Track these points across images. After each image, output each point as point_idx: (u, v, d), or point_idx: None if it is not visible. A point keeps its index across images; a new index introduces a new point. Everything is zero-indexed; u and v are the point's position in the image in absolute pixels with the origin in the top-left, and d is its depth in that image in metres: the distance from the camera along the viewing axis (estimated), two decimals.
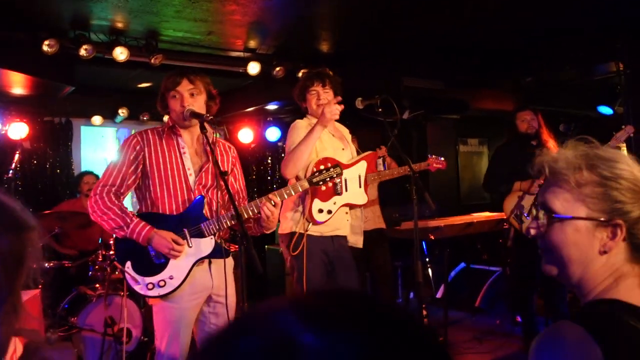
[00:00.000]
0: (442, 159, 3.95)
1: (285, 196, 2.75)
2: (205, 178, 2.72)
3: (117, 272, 4.87)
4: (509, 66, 5.98)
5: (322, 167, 2.90)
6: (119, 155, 2.69)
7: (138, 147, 2.67)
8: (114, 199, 2.61)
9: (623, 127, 4.14)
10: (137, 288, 2.57)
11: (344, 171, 3.35)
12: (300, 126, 3.37)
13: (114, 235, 2.65)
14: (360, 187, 3.44)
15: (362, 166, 3.47)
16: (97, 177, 5.70)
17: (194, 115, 2.61)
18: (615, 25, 4.74)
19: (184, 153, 2.72)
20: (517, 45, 5.30)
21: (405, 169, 3.40)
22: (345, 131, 3.62)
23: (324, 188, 2.85)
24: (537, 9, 4.36)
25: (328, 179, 2.83)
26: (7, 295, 0.87)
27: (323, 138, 3.36)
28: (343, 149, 3.46)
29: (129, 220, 2.56)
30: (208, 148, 2.71)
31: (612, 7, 4.34)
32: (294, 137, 3.31)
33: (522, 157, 4.48)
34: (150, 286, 2.55)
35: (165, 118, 3.59)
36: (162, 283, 2.56)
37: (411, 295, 5.81)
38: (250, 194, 7.59)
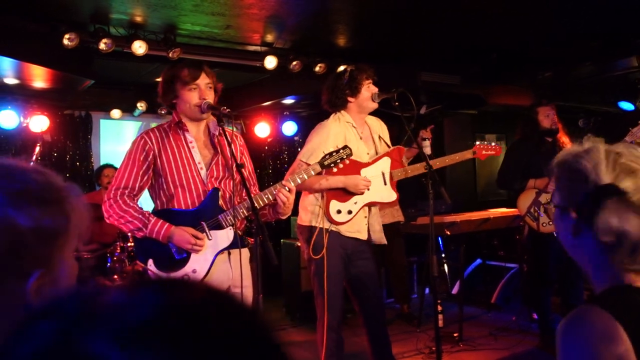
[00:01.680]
0: (494, 144, 3.77)
1: (299, 181, 2.75)
2: (216, 170, 2.74)
3: (134, 264, 4.96)
4: (526, 61, 5.91)
5: (332, 149, 2.90)
6: (128, 156, 2.69)
7: (147, 147, 2.67)
8: (128, 201, 2.63)
9: (639, 122, 4.09)
10: None
11: (364, 170, 3.36)
12: (332, 128, 3.38)
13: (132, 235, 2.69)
14: (385, 184, 3.43)
15: (385, 163, 3.45)
16: (116, 169, 5.77)
17: (212, 108, 2.63)
18: (634, 20, 4.66)
19: (193, 147, 2.73)
20: (536, 40, 5.24)
21: (433, 163, 3.36)
22: (376, 126, 3.60)
23: (335, 169, 2.85)
24: (556, 4, 4.31)
25: (339, 160, 2.83)
26: (52, 268, 0.89)
27: (349, 138, 3.37)
28: (367, 153, 3.46)
29: (146, 221, 2.58)
30: (223, 141, 2.72)
31: (633, 1, 4.27)
32: (322, 139, 3.31)
33: (537, 154, 4.45)
34: None
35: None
36: (185, 278, 2.56)
37: (426, 290, 5.79)
38: (266, 187, 7.63)
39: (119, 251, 5.01)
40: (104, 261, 5.06)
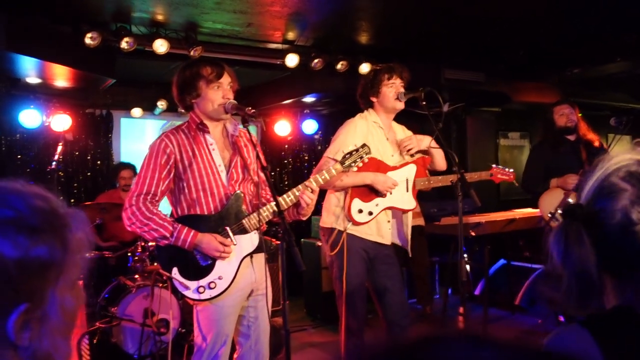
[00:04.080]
0: (511, 170, 3.72)
1: (321, 181, 2.68)
2: (236, 173, 2.66)
3: (155, 263, 4.95)
4: (553, 58, 5.78)
5: (351, 148, 2.83)
6: (148, 161, 2.57)
7: (169, 150, 2.56)
8: (151, 208, 2.52)
9: None
10: (187, 293, 2.50)
11: (390, 173, 3.29)
12: (359, 125, 3.32)
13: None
14: (407, 191, 3.36)
15: (410, 169, 3.38)
16: (134, 170, 5.76)
17: (237, 108, 2.57)
18: None
19: (213, 149, 2.63)
20: (564, 36, 5.11)
21: (452, 178, 3.29)
22: (400, 134, 3.53)
23: (355, 169, 2.78)
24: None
25: (358, 159, 2.76)
26: (40, 303, 0.82)
27: (375, 139, 3.31)
28: (392, 156, 3.39)
29: (171, 229, 2.48)
30: (239, 142, 2.66)
31: None
32: (349, 135, 3.26)
33: (557, 154, 4.38)
34: (201, 290, 2.49)
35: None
36: (212, 285, 2.51)
37: (449, 291, 5.69)
38: (285, 186, 7.61)
39: (140, 251, 4.99)
40: (125, 260, 5.05)
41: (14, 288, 0.79)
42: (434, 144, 3.42)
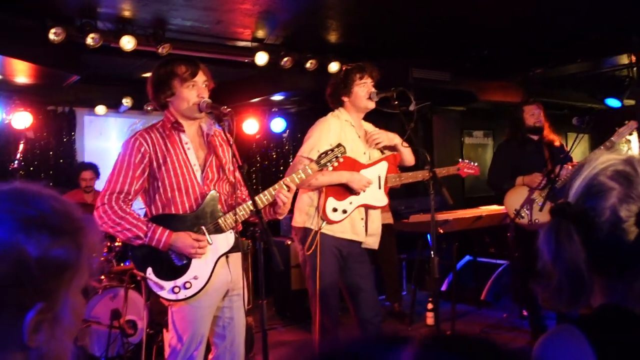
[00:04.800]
0: (475, 164, 3.83)
1: (297, 180, 2.69)
2: (211, 172, 2.64)
3: (122, 264, 4.86)
4: (517, 58, 5.93)
5: (326, 147, 2.85)
6: (122, 159, 2.52)
7: (143, 149, 2.51)
8: (124, 207, 2.47)
9: (626, 122, 4.13)
10: (162, 294, 2.47)
11: (363, 171, 3.32)
12: (332, 124, 3.33)
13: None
14: (379, 188, 3.39)
15: (382, 167, 3.42)
16: (95, 171, 5.60)
17: (211, 107, 2.54)
18: (630, 17, 4.69)
19: (188, 149, 2.60)
20: (527, 37, 5.24)
21: (423, 174, 3.35)
22: (369, 130, 3.56)
23: (330, 168, 2.80)
24: (549, 2, 4.31)
25: (334, 158, 2.77)
26: (54, 304, 0.82)
27: (348, 137, 3.32)
28: (364, 153, 3.42)
29: (146, 229, 2.44)
30: (214, 142, 2.65)
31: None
32: (322, 134, 3.26)
33: (523, 153, 4.51)
34: (176, 290, 2.46)
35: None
36: (187, 285, 2.48)
37: (415, 287, 5.77)
38: (254, 185, 7.58)
39: (106, 251, 4.89)
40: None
41: (34, 286, 0.79)
42: (399, 141, 3.47)
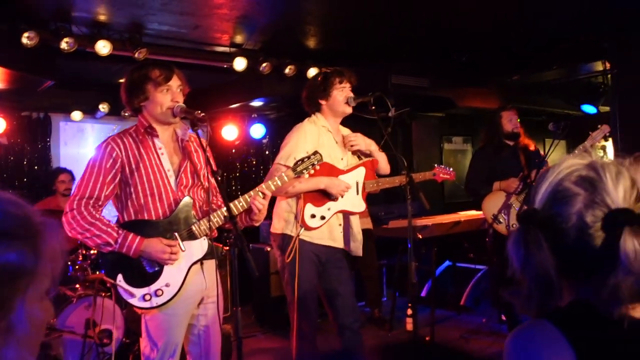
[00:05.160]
0: (451, 169, 3.84)
1: (273, 187, 2.66)
2: (185, 178, 2.60)
3: (97, 272, 4.77)
4: (495, 64, 5.98)
5: (303, 154, 2.83)
6: (93, 164, 2.47)
7: (115, 154, 2.47)
8: (94, 212, 2.42)
9: (599, 126, 4.20)
10: (132, 301, 2.42)
11: (341, 176, 3.30)
12: (309, 130, 3.30)
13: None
14: (357, 194, 3.38)
15: (359, 173, 3.40)
16: (72, 175, 5.52)
17: (185, 111, 2.51)
18: (603, 24, 4.76)
19: (162, 154, 2.57)
20: (504, 43, 5.30)
21: (399, 179, 3.35)
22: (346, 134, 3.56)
23: (306, 176, 2.77)
24: (523, 7, 4.36)
25: (310, 166, 2.75)
26: (6, 312, 0.78)
27: (325, 143, 3.30)
28: (342, 159, 3.40)
29: (116, 235, 2.39)
30: (190, 147, 2.62)
31: (600, 5, 4.35)
32: (299, 140, 3.24)
33: (500, 158, 4.56)
34: (147, 297, 2.41)
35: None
36: (159, 292, 2.43)
37: (397, 293, 5.77)
38: (233, 191, 7.53)
39: (81, 259, 4.81)
40: (66, 269, 4.85)
41: None
42: (376, 148, 3.46)
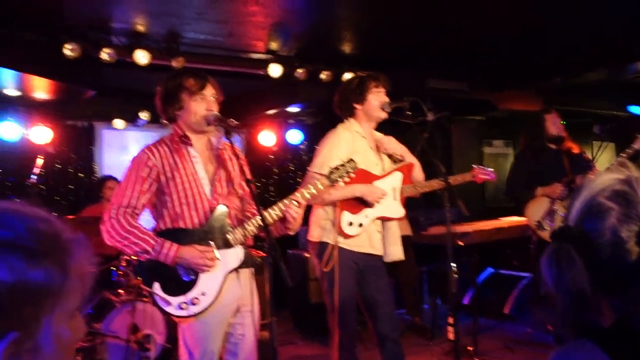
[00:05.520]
0: (491, 170, 3.73)
1: (307, 195, 2.63)
2: (220, 186, 2.60)
3: (139, 277, 4.84)
4: (536, 66, 5.82)
5: (337, 162, 2.78)
6: (129, 173, 2.51)
7: (151, 163, 2.50)
8: (131, 220, 2.44)
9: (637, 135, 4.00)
10: (169, 309, 2.43)
11: (376, 182, 3.25)
12: (342, 137, 3.25)
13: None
14: (395, 199, 3.31)
15: (396, 177, 3.34)
16: (118, 182, 5.67)
17: (220, 120, 2.51)
18: None
19: (197, 162, 2.58)
20: (546, 45, 5.14)
21: (438, 183, 3.27)
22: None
23: (342, 184, 2.72)
24: (566, 9, 4.21)
25: (345, 174, 2.70)
26: (32, 332, 0.77)
27: (360, 149, 3.26)
28: (377, 164, 3.34)
29: (153, 243, 2.41)
30: (223, 155, 2.62)
31: None
32: (333, 148, 3.20)
33: (542, 163, 4.40)
34: (183, 306, 2.42)
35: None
36: (195, 301, 2.43)
37: (438, 301, 5.66)
38: (271, 197, 7.55)
39: (124, 264, 4.89)
40: (109, 275, 4.95)
41: (4, 314, 0.73)
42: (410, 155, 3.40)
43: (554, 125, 4.48)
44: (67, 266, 0.80)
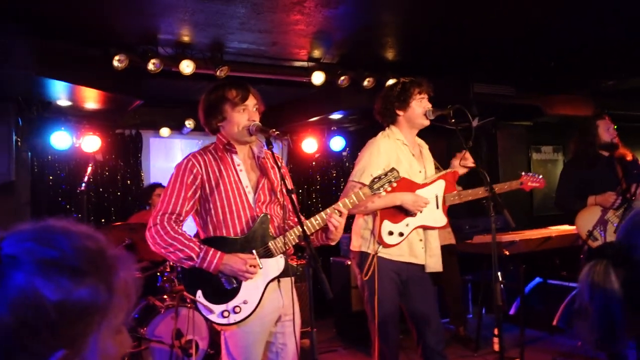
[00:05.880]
0: (540, 176, 3.61)
1: (350, 205, 2.60)
2: (263, 195, 2.61)
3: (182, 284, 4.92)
4: (587, 69, 5.62)
5: (379, 172, 2.74)
6: (174, 180, 2.54)
7: (195, 170, 2.53)
8: (176, 227, 2.47)
9: None
10: (211, 317, 2.45)
11: (419, 191, 3.19)
12: (382, 145, 3.21)
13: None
14: (437, 207, 3.25)
15: (439, 185, 3.27)
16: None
17: (261, 130, 2.53)
18: None
19: (241, 170, 2.60)
20: (598, 47, 4.96)
21: (483, 192, 3.18)
22: (424, 148, 3.45)
23: (383, 193, 2.68)
24: (618, 8, 4.05)
25: (387, 184, 2.66)
26: (80, 349, 0.77)
27: (402, 157, 3.21)
28: (420, 172, 3.29)
29: (198, 250, 2.43)
30: (266, 164, 2.63)
31: None
32: (372, 156, 3.17)
33: (594, 170, 4.21)
34: (225, 314, 2.44)
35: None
36: (237, 309, 2.45)
37: (483, 310, 5.52)
38: (314, 205, 7.56)
39: (168, 270, 4.99)
40: (155, 280, 5.05)
41: (52, 333, 0.75)
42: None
43: (606, 131, 4.30)
44: (112, 283, 0.81)
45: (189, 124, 6.61)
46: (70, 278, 0.77)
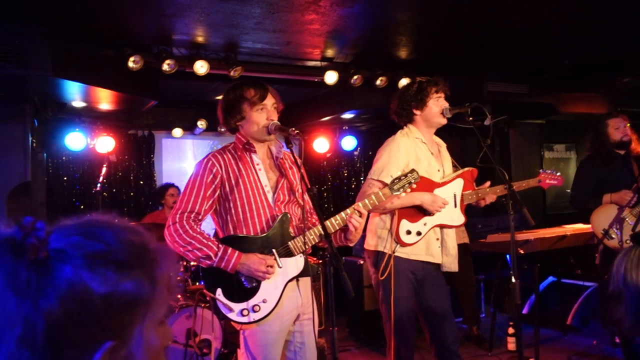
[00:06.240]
0: (558, 174, 3.58)
1: (370, 206, 2.60)
2: (282, 194, 2.61)
3: (197, 283, 4.95)
4: (601, 66, 5.59)
5: (399, 173, 2.73)
6: (194, 179, 2.54)
7: (215, 169, 2.53)
8: (195, 226, 2.48)
9: None
10: (230, 316, 2.46)
11: (437, 190, 3.19)
12: (402, 144, 3.21)
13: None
14: (455, 206, 3.24)
15: (457, 184, 3.27)
16: (179, 189, 5.83)
17: (280, 129, 2.53)
18: None
19: (260, 170, 2.60)
20: (612, 44, 4.93)
21: (501, 190, 3.17)
22: (442, 147, 3.44)
23: (403, 194, 2.67)
24: (634, 4, 4.02)
25: (407, 185, 2.66)
26: (125, 341, 0.79)
27: (421, 156, 3.21)
28: (438, 170, 3.29)
29: (216, 249, 2.43)
30: (284, 164, 2.63)
31: None
32: (392, 154, 3.16)
33: (609, 169, 4.19)
34: (245, 312, 2.45)
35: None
36: (256, 308, 2.46)
37: (495, 309, 5.49)
38: (325, 204, 7.56)
39: (182, 270, 5.01)
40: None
41: (100, 324, 0.76)
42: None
43: (617, 130, 4.27)
44: (155, 276, 0.83)
45: (201, 124, 6.64)
46: (116, 271, 0.78)
